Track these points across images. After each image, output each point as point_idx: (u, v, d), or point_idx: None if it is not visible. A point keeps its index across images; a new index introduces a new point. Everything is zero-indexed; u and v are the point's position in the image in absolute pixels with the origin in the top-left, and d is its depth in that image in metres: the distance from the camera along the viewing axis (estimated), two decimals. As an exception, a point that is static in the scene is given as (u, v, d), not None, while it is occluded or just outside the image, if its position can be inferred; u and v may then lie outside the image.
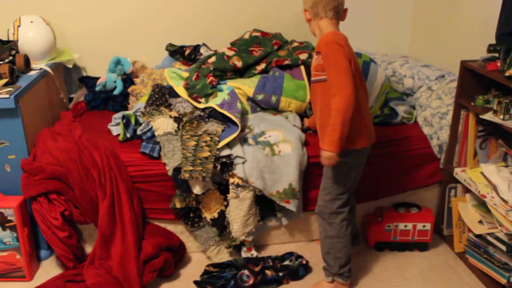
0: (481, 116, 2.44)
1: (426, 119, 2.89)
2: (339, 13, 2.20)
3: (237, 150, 2.55)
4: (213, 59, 3.07)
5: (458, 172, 2.66)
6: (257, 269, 2.50)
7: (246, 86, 2.90)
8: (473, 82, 2.59)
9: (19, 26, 2.97)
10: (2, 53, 2.65)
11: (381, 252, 2.76)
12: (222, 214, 2.60)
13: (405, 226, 2.70)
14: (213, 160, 2.47)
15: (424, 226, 2.70)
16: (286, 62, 3.04)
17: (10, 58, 2.70)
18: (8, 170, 2.54)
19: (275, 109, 2.93)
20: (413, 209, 2.76)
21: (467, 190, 2.64)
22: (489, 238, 2.44)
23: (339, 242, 2.34)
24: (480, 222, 2.50)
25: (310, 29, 2.27)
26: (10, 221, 2.44)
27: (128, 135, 2.73)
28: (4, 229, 2.45)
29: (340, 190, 2.30)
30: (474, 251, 2.56)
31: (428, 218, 2.70)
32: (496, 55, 2.47)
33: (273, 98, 2.87)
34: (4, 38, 2.90)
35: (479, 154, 2.64)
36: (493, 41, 2.54)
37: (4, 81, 2.52)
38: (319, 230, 2.41)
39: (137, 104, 2.94)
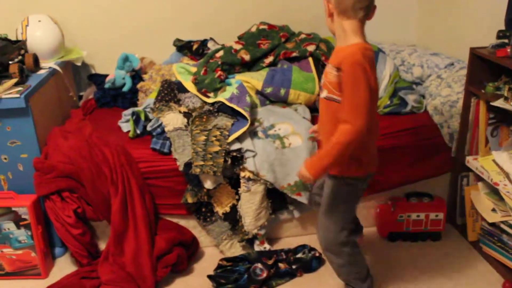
0: (491, 103, 2.43)
1: (436, 107, 2.88)
2: (368, 13, 1.87)
3: (247, 144, 2.55)
4: (220, 53, 3.07)
5: (469, 160, 2.64)
6: (270, 262, 2.50)
7: (255, 80, 2.90)
8: (482, 69, 2.57)
9: (27, 25, 2.99)
10: (12, 53, 2.67)
11: (394, 243, 2.76)
12: (234, 208, 2.61)
13: (418, 216, 2.69)
14: (223, 154, 2.48)
15: (436, 215, 2.69)
16: (294, 54, 3.04)
17: (20, 57, 2.72)
18: (20, 169, 2.56)
19: (284, 102, 2.92)
20: (425, 199, 2.75)
21: (479, 178, 2.63)
22: (502, 226, 2.43)
23: (355, 265, 2.18)
24: (493, 210, 2.49)
25: (327, 23, 1.94)
26: (24, 219, 2.46)
27: (138, 132, 2.74)
28: (18, 227, 2.48)
29: (348, 218, 2.12)
30: (488, 240, 2.55)
31: (441, 208, 2.69)
32: (506, 41, 2.44)
33: (282, 91, 2.86)
34: (13, 38, 2.92)
35: (490, 141, 2.62)
36: (503, 27, 2.52)
37: (14, 80, 2.53)
38: (329, 262, 2.23)
39: (147, 100, 2.95)
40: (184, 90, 2.93)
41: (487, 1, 2.92)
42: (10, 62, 2.61)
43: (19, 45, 2.77)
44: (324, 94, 1.95)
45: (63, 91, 3.08)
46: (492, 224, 2.50)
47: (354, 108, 1.81)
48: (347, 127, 1.82)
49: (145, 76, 3.25)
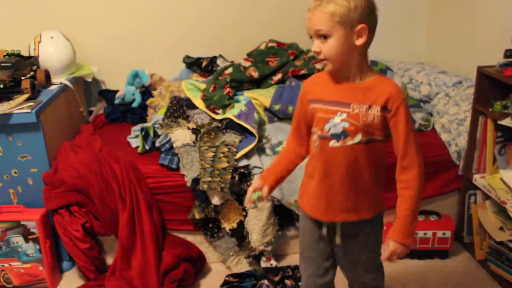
0: (499, 122, 2.43)
1: (443, 125, 2.88)
2: None
3: (254, 161, 2.56)
4: (229, 70, 3.10)
5: (477, 179, 2.64)
6: (276, 278, 2.50)
7: (263, 97, 2.92)
8: (490, 87, 2.57)
9: (39, 42, 3.04)
10: (24, 68, 2.71)
11: (401, 261, 2.74)
12: (241, 224, 2.61)
13: (425, 233, 2.68)
14: (231, 170, 2.49)
15: (444, 233, 2.68)
16: (303, 71, 3.06)
17: (32, 73, 2.76)
18: (30, 183, 2.58)
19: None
20: (433, 217, 2.74)
21: (487, 196, 2.62)
22: (510, 245, 2.42)
23: None
24: (501, 229, 2.48)
25: (337, 57, 1.56)
26: (33, 233, 2.48)
27: (147, 147, 2.76)
28: (27, 241, 2.49)
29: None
30: (495, 258, 2.54)
31: (448, 226, 2.68)
32: (513, 60, 2.46)
33: (290, 108, 2.88)
34: (26, 54, 2.97)
35: (498, 160, 2.62)
36: (510, 46, 2.53)
37: (25, 96, 2.57)
38: None
39: (156, 116, 2.98)
40: (193, 106, 2.96)
41: (495, 20, 2.94)
42: (22, 78, 2.64)
43: (31, 61, 2.81)
44: (357, 138, 1.62)
45: (73, 107, 3.12)
46: (500, 243, 2.49)
47: (416, 148, 1.62)
48: (417, 171, 1.62)
49: (155, 93, 3.29)
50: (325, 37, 1.53)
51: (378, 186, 1.75)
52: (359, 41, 1.53)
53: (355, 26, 1.51)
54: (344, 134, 1.62)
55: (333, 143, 1.65)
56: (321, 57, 1.57)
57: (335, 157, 1.66)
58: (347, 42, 1.53)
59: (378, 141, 1.64)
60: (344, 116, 1.61)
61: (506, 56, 2.48)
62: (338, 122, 1.62)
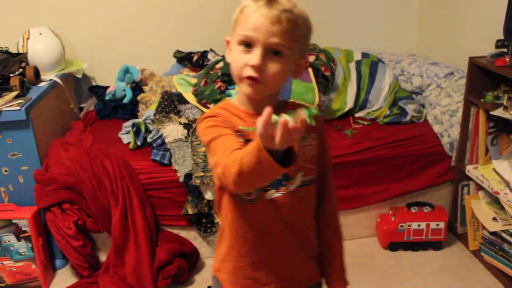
0: (491, 113, 2.43)
1: (436, 117, 2.88)
2: None
3: (247, 155, 2.55)
4: (221, 64, 3.08)
5: (470, 170, 2.64)
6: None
7: (255, 90, 2.91)
8: (482, 78, 2.57)
9: (28, 38, 3.01)
10: (12, 65, 2.68)
11: (395, 252, 2.75)
12: (234, 218, 2.61)
13: (419, 225, 2.68)
14: (223, 165, 2.48)
15: (437, 225, 2.68)
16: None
17: (20, 70, 2.74)
18: (21, 181, 2.56)
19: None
20: (426, 208, 2.75)
21: (480, 187, 2.63)
22: (503, 235, 2.43)
23: None
24: (494, 219, 2.49)
25: (273, 85, 1.22)
26: (25, 231, 2.46)
27: (139, 143, 2.74)
28: (19, 239, 2.48)
29: None
30: (489, 249, 2.55)
31: (442, 217, 2.69)
32: (505, 50, 2.46)
33: (282, 101, 2.87)
34: (14, 51, 2.94)
35: (490, 150, 2.62)
36: (501, 37, 2.53)
37: (15, 93, 2.54)
38: None
39: (147, 112, 2.96)
40: (184, 101, 2.94)
41: (486, 11, 2.94)
42: (11, 75, 2.62)
43: (20, 58, 2.79)
44: (298, 180, 1.26)
45: (63, 103, 3.09)
46: (493, 233, 2.49)
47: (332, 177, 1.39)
48: (335, 196, 1.39)
49: (146, 88, 3.27)
50: (276, 53, 1.17)
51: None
52: (296, 75, 1.26)
53: (302, 55, 1.25)
54: (285, 178, 1.24)
55: (271, 194, 1.25)
56: (259, 77, 1.17)
57: (276, 212, 1.26)
58: (289, 69, 1.22)
59: (313, 181, 1.31)
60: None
61: (497, 46, 2.48)
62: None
